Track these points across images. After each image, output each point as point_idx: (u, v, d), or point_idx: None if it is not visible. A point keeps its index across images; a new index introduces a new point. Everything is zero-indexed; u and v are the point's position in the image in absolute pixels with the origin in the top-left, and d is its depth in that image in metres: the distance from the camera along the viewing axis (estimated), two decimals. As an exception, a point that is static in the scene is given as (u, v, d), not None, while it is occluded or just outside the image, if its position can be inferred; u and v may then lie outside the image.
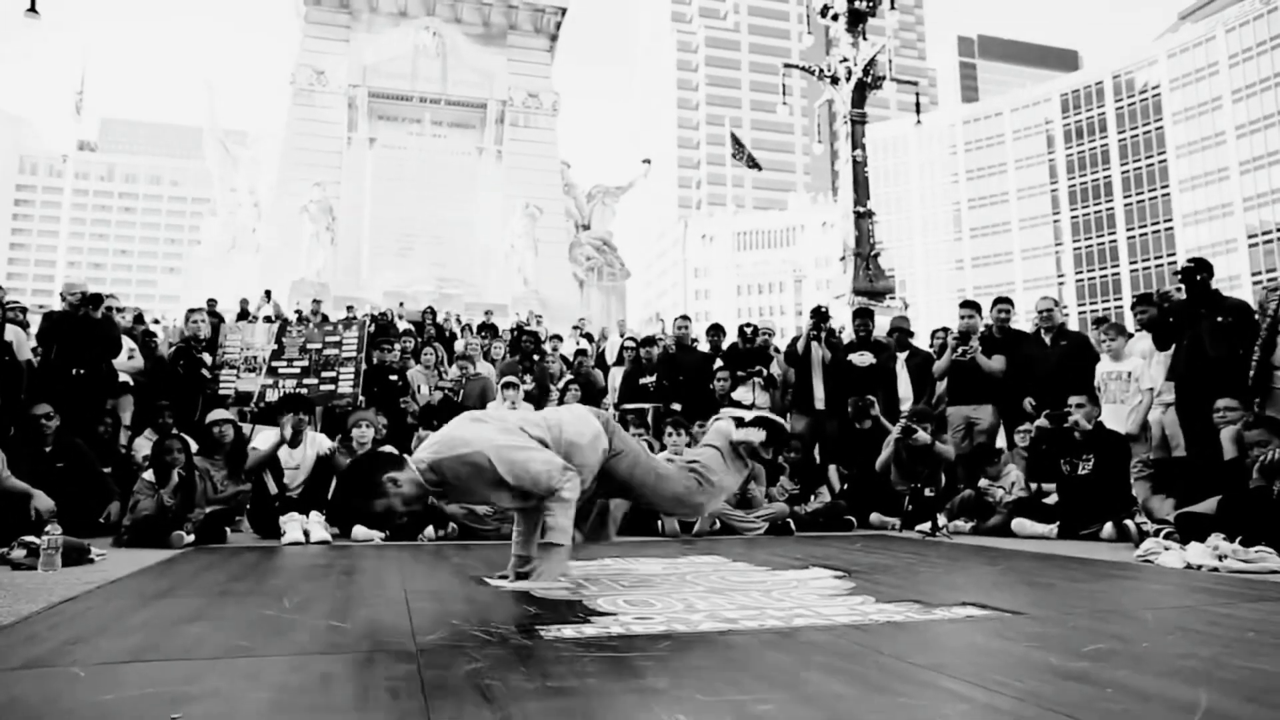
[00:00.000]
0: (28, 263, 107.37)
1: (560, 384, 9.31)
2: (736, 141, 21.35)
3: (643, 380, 8.78)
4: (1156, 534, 5.00)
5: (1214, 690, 1.83)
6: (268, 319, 12.37)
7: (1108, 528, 5.92)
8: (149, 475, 5.76)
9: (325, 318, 11.94)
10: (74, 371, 7.33)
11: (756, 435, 3.85)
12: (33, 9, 11.34)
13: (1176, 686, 1.89)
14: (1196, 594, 3.50)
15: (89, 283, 8.59)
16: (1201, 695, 1.78)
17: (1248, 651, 2.32)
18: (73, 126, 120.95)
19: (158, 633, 2.57)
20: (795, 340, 8.90)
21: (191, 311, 9.43)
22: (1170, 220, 70.63)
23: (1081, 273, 77.34)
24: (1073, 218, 78.51)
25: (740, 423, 3.91)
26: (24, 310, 9.06)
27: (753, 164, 20.78)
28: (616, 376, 9.66)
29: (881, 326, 10.07)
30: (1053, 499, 6.54)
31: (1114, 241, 75.30)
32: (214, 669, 2.09)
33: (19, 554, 4.28)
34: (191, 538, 5.42)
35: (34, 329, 8.35)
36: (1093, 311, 67.83)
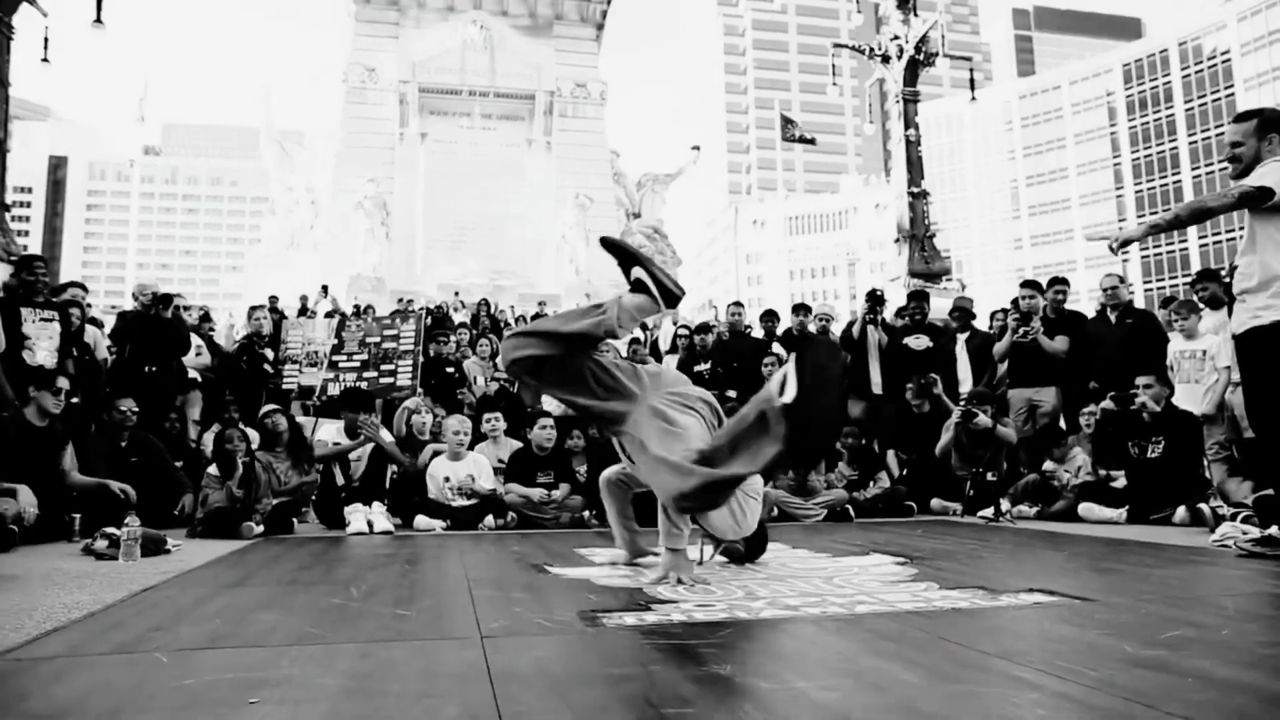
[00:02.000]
0: (100, 265, 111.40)
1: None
2: (787, 121, 21.10)
3: (697, 368, 8.76)
4: (1233, 518, 4.83)
5: (1300, 679, 1.77)
6: (328, 314, 12.63)
7: (1180, 512, 5.74)
8: (214, 469, 5.94)
9: (394, 311, 12.10)
10: (146, 369, 7.59)
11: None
12: (98, 20, 11.71)
13: (1263, 677, 1.82)
14: (1279, 580, 3.38)
15: (158, 283, 8.89)
16: (1287, 684, 1.72)
17: (1335, 639, 2.23)
18: (137, 132, 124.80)
19: (233, 620, 2.66)
20: (851, 324, 8.78)
21: (254, 309, 9.68)
22: (1242, 192, 67.85)
23: (1147, 249, 74.80)
24: (1137, 192, 75.96)
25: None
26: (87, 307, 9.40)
27: (806, 139, 20.51)
28: (671, 364, 9.65)
29: (939, 309, 9.88)
30: (1121, 483, 6.36)
31: (1182, 216, 72.63)
32: (287, 655, 2.15)
33: (101, 545, 4.46)
34: (261, 529, 5.59)
35: (108, 328, 8.68)
36: (1159, 289, 65.72)
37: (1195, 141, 71.84)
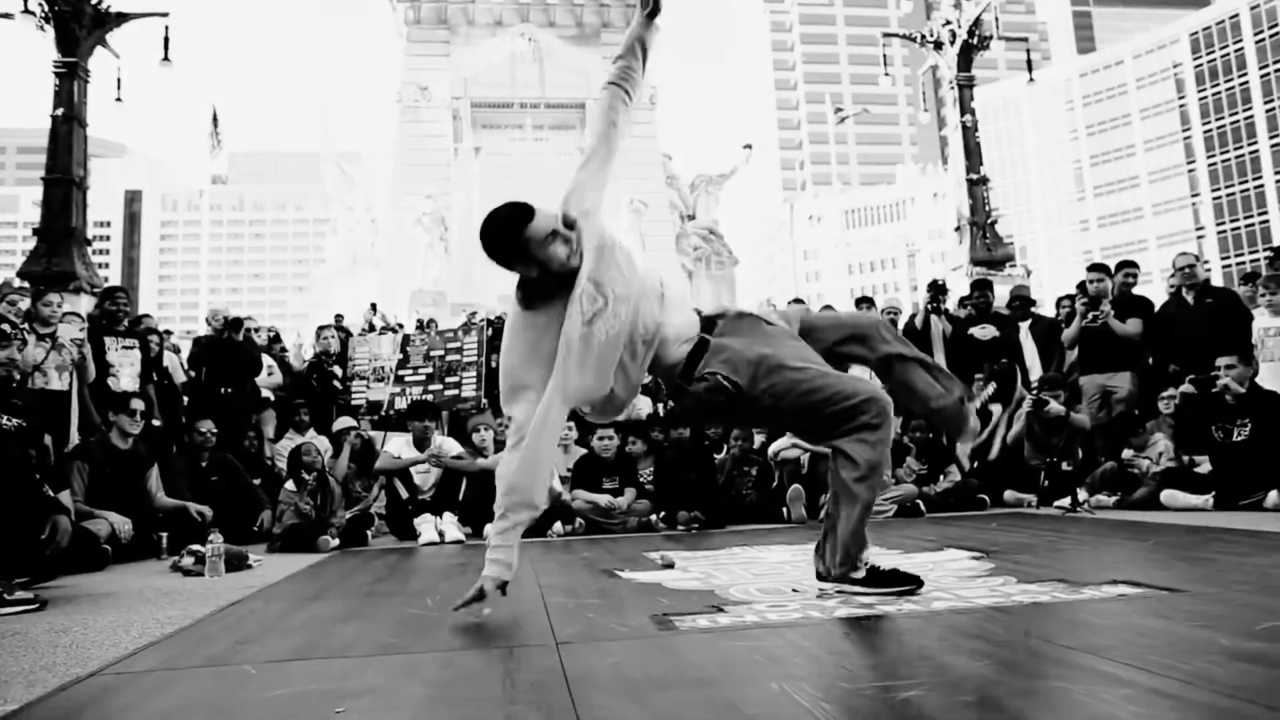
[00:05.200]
0: (175, 292, 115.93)
1: (675, 376, 9.33)
2: (838, 109, 20.88)
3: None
4: (1330, 501, 4.61)
5: None
6: (385, 329, 12.87)
7: (1272, 496, 5.51)
8: (290, 485, 6.13)
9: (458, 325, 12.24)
10: (222, 391, 7.87)
11: None
12: (166, 58, 12.18)
13: (1367, 666, 1.73)
14: (1382, 564, 3.21)
15: (229, 307, 9.20)
16: (1398, 675, 1.64)
17: None
18: (206, 163, 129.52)
19: (316, 632, 2.73)
20: (913, 316, 8.64)
21: (321, 328, 9.95)
22: (1324, 158, 64.81)
23: (1224, 223, 71.93)
24: (1210, 165, 73.07)
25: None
26: (167, 334, 9.78)
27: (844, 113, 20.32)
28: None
29: (1003, 297, 9.65)
30: (1205, 468, 6.12)
31: (1260, 187, 69.58)
32: (370, 666, 2.20)
33: (188, 562, 4.63)
34: (336, 542, 5.74)
35: (185, 353, 9.02)
36: (1239, 265, 63.09)
37: (1274, 108, 68.75)
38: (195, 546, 4.71)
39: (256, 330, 9.47)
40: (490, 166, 22.75)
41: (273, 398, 8.80)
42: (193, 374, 8.47)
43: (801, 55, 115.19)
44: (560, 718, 1.64)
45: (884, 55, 18.43)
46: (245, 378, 8.14)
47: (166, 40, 12.19)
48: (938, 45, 14.65)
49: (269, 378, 8.89)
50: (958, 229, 14.35)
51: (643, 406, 8.55)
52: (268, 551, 5.62)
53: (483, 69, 23.17)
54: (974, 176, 13.99)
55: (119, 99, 12.20)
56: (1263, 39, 69.59)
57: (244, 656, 2.37)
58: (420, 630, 2.68)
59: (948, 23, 14.44)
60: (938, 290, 8.50)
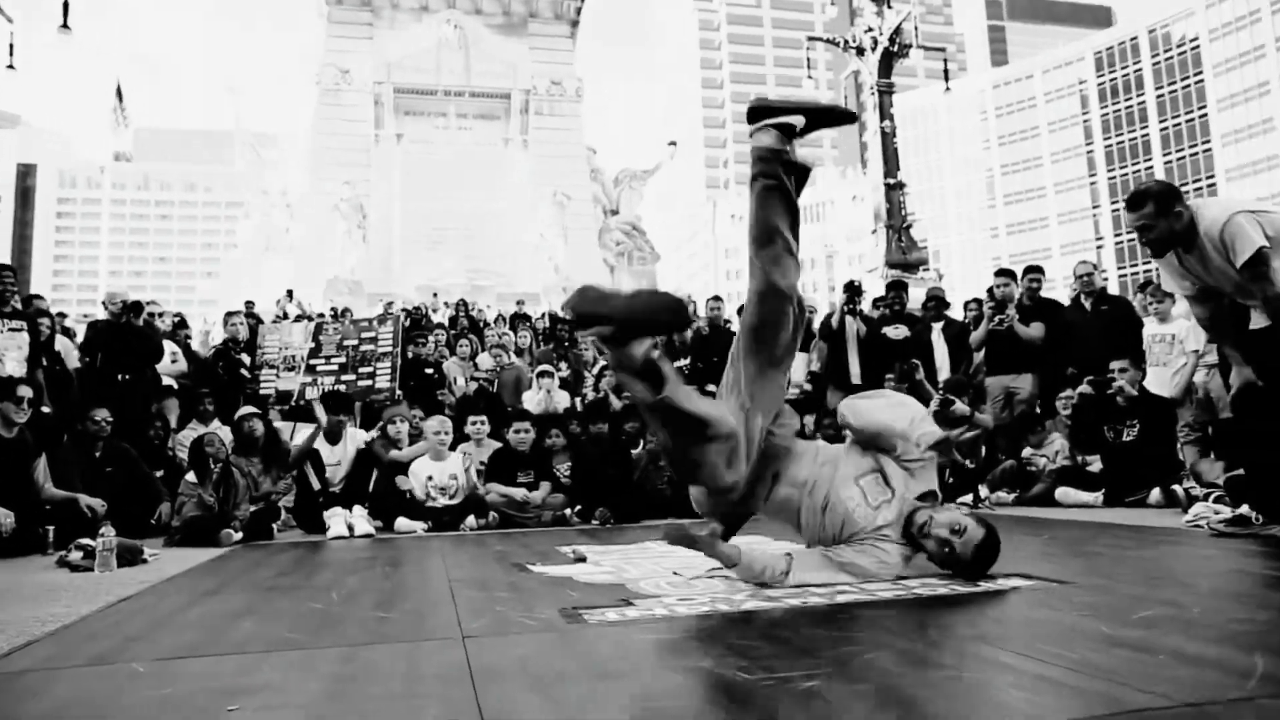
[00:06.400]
0: (72, 274, 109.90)
1: (594, 370, 9.34)
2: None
3: (676, 364, 8.78)
4: (1206, 498, 4.90)
5: (1270, 655, 1.79)
6: (300, 317, 12.51)
7: (1155, 493, 5.82)
8: (191, 477, 5.89)
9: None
10: (119, 377, 7.51)
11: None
12: (65, 25, 11.54)
13: (1231, 652, 1.85)
14: (1250, 558, 3.43)
15: (130, 290, 8.79)
16: (1258, 660, 1.74)
17: (1306, 614, 2.27)
18: (109, 138, 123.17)
19: (211, 628, 2.63)
20: (829, 316, 8.83)
21: (230, 314, 9.60)
22: (1213, 176, 68.73)
23: (1121, 235, 75.61)
24: (1110, 179, 76.73)
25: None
26: (61, 317, 9.29)
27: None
28: (650, 360, 9.64)
29: (917, 299, 9.95)
30: (1097, 466, 6.44)
31: (1154, 202, 73.31)
32: (267, 662, 2.13)
33: (76, 556, 4.40)
34: (239, 535, 5.54)
35: (79, 338, 8.57)
36: (1134, 275, 66.43)
37: (1166, 128, 72.62)
38: (84, 540, 4.48)
39: (160, 315, 9.09)
40: (412, 154, 22.33)
41: (176, 386, 8.45)
42: (87, 359, 8.06)
43: (728, 55, 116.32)
44: (461, 712, 1.62)
45: (808, 59, 18.83)
46: (145, 364, 7.79)
47: (66, 5, 11.56)
48: (860, 51, 15.02)
49: (172, 365, 8.54)
50: (874, 232, 14.74)
51: (561, 400, 8.52)
52: (165, 545, 5.38)
53: (407, 54, 22.70)
54: (891, 181, 14.40)
55: (10, 65, 11.52)
56: (1159, 61, 73.42)
57: (132, 654, 2.27)
58: (322, 625, 2.61)
59: (870, 30, 14.82)
60: (853, 291, 8.70)
